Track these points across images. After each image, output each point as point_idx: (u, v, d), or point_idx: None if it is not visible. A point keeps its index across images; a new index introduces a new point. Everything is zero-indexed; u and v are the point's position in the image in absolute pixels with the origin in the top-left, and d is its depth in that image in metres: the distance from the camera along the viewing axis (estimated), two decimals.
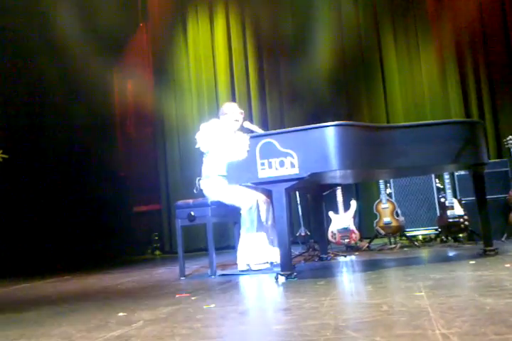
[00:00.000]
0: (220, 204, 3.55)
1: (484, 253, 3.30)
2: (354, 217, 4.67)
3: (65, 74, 6.60)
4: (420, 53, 6.16)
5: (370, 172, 3.44)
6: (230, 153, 3.55)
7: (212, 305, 2.22)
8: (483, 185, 3.47)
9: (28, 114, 6.14)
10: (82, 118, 6.89)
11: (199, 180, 3.70)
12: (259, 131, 3.56)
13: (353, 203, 4.73)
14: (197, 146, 3.67)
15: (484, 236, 3.40)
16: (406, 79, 6.17)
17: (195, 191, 3.69)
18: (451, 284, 2.32)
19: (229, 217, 3.80)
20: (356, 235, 4.61)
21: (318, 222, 4.09)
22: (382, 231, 4.54)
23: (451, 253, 3.79)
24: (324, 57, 6.39)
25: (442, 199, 4.48)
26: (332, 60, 6.39)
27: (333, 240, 4.63)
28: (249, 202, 3.46)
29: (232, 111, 3.77)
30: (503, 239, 4.27)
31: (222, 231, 6.44)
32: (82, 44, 6.52)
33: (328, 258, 3.94)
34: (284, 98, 6.61)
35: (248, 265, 3.43)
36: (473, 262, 2.99)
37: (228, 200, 3.54)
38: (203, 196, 3.65)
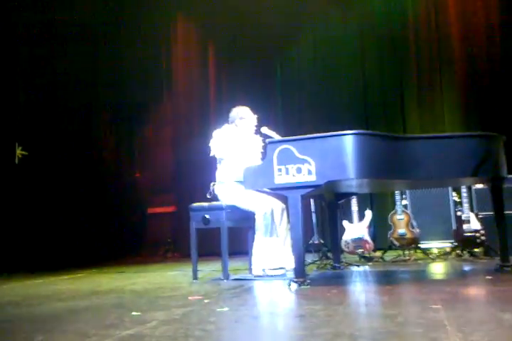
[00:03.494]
0: (234, 209, 3.56)
1: (501, 269, 3.25)
2: (369, 227, 4.64)
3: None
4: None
5: (386, 183, 3.42)
6: (246, 159, 3.58)
7: (226, 309, 2.22)
8: (501, 199, 3.43)
9: (47, 113, 6.23)
10: (99, 119, 6.99)
11: (213, 185, 3.71)
12: (277, 137, 3.57)
13: (368, 213, 4.70)
14: (211, 154, 3.68)
15: (501, 252, 3.35)
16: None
17: (208, 196, 3.69)
18: (468, 298, 2.30)
19: (243, 222, 3.79)
20: (370, 245, 4.57)
21: (332, 231, 4.07)
22: (396, 243, 4.50)
23: (466, 268, 3.74)
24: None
25: (459, 213, 4.43)
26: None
27: (347, 249, 4.60)
28: (264, 207, 3.47)
29: (249, 116, 3.80)
30: None
31: (234, 236, 6.44)
32: None
33: (341, 267, 3.91)
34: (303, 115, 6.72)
35: (263, 270, 3.43)
36: (490, 277, 2.95)
37: (243, 205, 3.55)
38: (217, 200, 3.66)
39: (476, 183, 4.37)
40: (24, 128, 5.90)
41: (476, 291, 2.56)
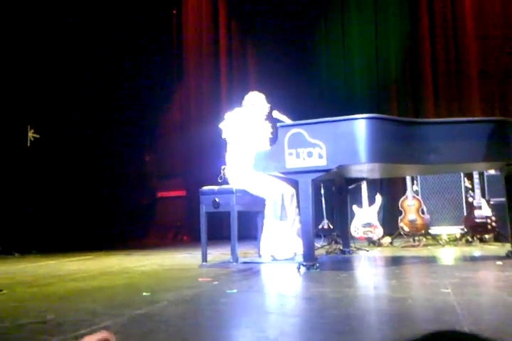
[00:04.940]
0: (245, 193, 3.56)
1: (511, 255, 3.23)
2: (378, 213, 4.62)
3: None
4: None
5: (398, 167, 3.38)
6: (255, 143, 3.57)
7: (235, 290, 2.23)
8: None
9: (59, 97, 6.24)
10: (111, 106, 6.99)
11: (224, 168, 3.70)
12: (288, 121, 3.54)
13: (378, 198, 4.68)
14: (223, 136, 3.67)
15: None
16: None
17: (219, 180, 3.69)
18: (478, 283, 2.29)
19: (253, 206, 3.78)
20: (379, 230, 4.56)
21: (341, 216, 4.06)
22: (406, 228, 4.48)
23: (476, 254, 3.72)
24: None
25: (470, 199, 4.40)
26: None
27: (356, 234, 4.59)
28: (274, 192, 3.46)
29: (261, 103, 3.77)
30: None
31: (243, 221, 6.47)
32: None
33: (350, 252, 3.91)
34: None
35: (272, 256, 3.44)
36: (500, 263, 2.94)
37: (253, 190, 3.54)
38: (227, 184, 3.65)
39: (488, 169, 4.31)
40: (36, 111, 5.92)
41: (485, 276, 2.54)
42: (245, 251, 4.18)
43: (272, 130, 3.81)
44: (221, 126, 3.67)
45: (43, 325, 1.67)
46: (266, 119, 3.81)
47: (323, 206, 4.75)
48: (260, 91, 3.88)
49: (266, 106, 3.79)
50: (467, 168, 4.02)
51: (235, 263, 3.38)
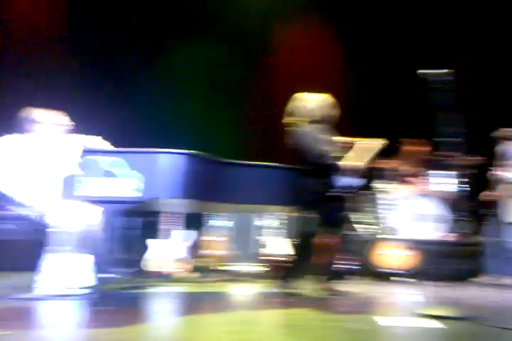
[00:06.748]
0: (29, 220, 3.12)
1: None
2: (189, 247, 4.57)
3: None
4: None
5: (210, 205, 3.44)
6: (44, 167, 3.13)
7: (9, 332, 1.89)
8: None
9: None
10: None
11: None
12: (111, 147, 3.22)
13: (190, 232, 4.65)
14: None
15: None
16: None
17: None
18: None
19: (37, 235, 3.30)
20: (182, 265, 4.49)
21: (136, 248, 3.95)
22: (209, 264, 4.50)
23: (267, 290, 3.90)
24: None
25: (265, 237, 4.65)
26: None
27: (157, 268, 4.44)
28: (71, 221, 3.11)
29: (49, 120, 3.22)
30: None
31: (25, 250, 5.67)
32: None
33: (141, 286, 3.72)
34: None
35: (65, 288, 3.06)
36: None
37: (50, 218, 3.15)
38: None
39: (282, 212, 4.62)
40: None
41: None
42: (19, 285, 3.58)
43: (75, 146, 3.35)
44: None
45: None
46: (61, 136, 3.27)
47: (124, 237, 4.51)
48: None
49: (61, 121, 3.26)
50: (268, 209, 4.30)
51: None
